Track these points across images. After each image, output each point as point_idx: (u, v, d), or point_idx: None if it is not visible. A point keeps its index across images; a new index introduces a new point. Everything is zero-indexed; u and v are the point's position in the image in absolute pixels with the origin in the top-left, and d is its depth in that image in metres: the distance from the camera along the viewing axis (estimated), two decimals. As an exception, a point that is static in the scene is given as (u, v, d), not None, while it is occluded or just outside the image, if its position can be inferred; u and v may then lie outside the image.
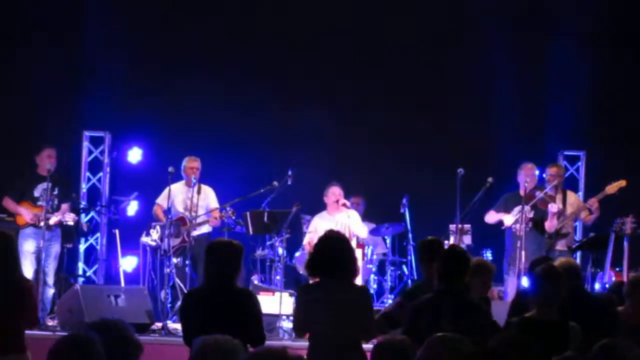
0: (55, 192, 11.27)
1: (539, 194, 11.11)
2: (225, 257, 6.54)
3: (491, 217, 11.41)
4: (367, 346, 6.75)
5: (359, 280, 9.23)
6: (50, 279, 11.22)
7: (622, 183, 11.07)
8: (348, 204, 11.73)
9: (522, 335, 4.33)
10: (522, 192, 11.25)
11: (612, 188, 11.10)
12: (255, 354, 3.60)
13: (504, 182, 11.59)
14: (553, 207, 11.18)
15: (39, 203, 11.28)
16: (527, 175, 11.26)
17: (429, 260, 7.15)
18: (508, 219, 11.17)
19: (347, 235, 11.08)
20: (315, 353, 6.50)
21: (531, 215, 11.17)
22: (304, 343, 7.73)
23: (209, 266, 6.59)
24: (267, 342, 7.23)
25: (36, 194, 11.35)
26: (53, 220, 11.09)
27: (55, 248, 11.32)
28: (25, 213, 11.25)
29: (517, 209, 11.12)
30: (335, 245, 6.68)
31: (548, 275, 6.38)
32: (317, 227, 11.41)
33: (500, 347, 4.11)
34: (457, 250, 6.81)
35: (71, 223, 11.35)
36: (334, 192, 11.65)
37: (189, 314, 6.65)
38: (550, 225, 11.24)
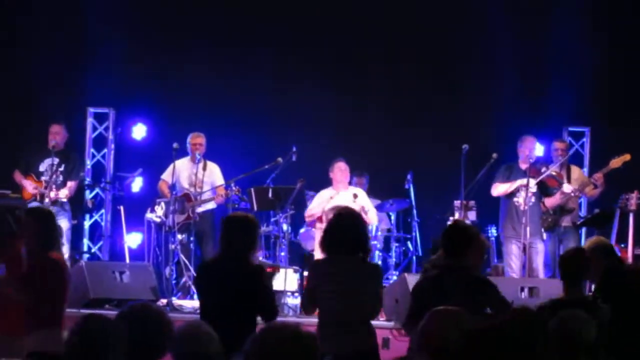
0: (62, 169, 11.33)
1: (546, 171, 11.07)
2: (240, 230, 6.53)
3: (500, 189, 11.28)
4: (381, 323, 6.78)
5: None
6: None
7: (627, 157, 11.06)
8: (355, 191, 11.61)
9: (525, 312, 4.29)
10: (522, 166, 11.20)
11: (616, 162, 11.09)
12: (269, 329, 3.56)
13: (509, 158, 11.55)
14: (567, 189, 11.15)
15: (42, 178, 11.35)
16: (528, 149, 11.20)
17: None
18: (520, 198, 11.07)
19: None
20: (324, 329, 6.45)
21: (534, 190, 11.11)
22: (309, 319, 7.77)
23: (224, 238, 6.58)
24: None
25: (41, 168, 11.44)
26: (52, 195, 11.11)
27: (64, 224, 11.32)
28: (29, 185, 11.35)
29: (519, 182, 11.07)
30: (347, 224, 6.63)
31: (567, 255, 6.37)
32: (321, 202, 11.37)
33: (501, 325, 4.11)
34: (461, 225, 6.76)
35: (64, 199, 11.35)
36: (340, 167, 11.53)
37: (201, 286, 6.69)
38: (551, 202, 11.22)
